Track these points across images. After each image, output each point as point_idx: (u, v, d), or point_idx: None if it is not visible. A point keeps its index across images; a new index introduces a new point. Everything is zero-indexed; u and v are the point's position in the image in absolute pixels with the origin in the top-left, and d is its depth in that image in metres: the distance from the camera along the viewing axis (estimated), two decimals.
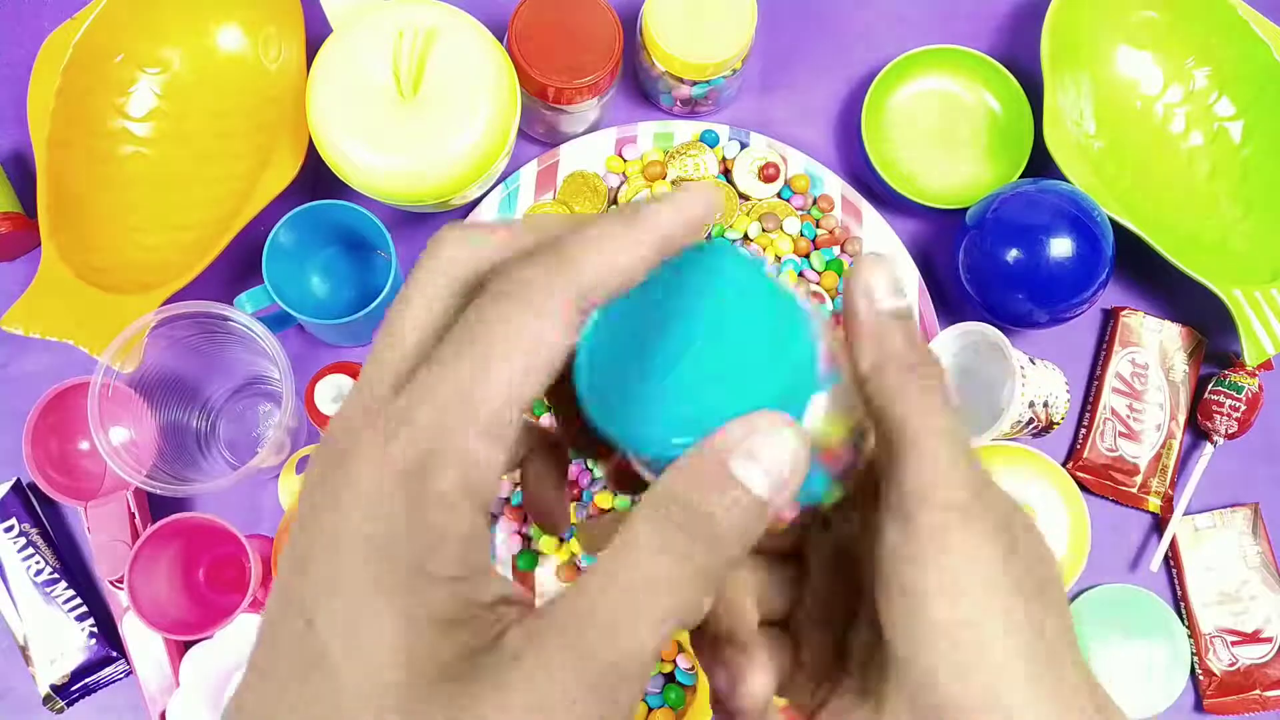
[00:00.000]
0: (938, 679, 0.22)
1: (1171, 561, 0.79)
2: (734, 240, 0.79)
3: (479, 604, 0.21)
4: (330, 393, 0.66)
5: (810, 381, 0.23)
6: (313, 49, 0.73)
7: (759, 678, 0.26)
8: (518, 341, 0.21)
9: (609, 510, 0.74)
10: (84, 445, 0.74)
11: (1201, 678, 0.77)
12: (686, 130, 0.81)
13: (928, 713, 0.22)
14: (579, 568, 0.75)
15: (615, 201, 0.80)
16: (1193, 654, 0.77)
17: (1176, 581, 0.79)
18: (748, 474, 0.21)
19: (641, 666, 0.20)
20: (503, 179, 0.79)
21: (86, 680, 0.73)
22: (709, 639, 0.26)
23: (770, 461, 0.21)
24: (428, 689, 0.19)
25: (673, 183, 0.79)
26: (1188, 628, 0.77)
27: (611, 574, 0.21)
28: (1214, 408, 0.78)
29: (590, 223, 0.22)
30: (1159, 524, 0.80)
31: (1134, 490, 0.79)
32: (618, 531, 0.21)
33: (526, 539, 0.74)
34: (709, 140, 0.80)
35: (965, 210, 0.78)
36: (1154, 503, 0.79)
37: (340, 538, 0.20)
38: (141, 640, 0.72)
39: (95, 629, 0.73)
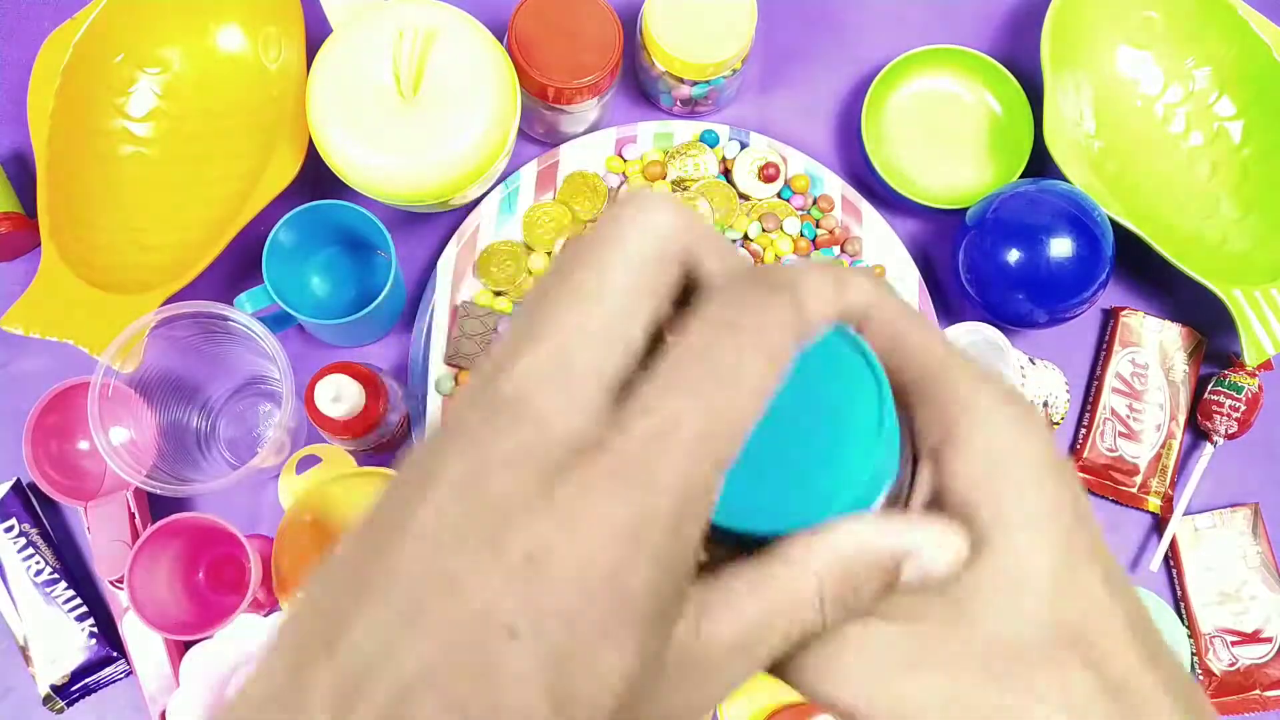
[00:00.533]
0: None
1: (1171, 561, 0.79)
2: (735, 239, 0.79)
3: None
4: (330, 393, 0.66)
5: (893, 465, 0.23)
6: (313, 49, 0.73)
7: None
8: (754, 385, 0.19)
9: None
10: (84, 445, 0.74)
11: (1201, 678, 0.77)
12: (686, 130, 0.81)
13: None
14: None
15: (615, 201, 0.80)
16: (1193, 654, 0.77)
17: (1176, 581, 0.79)
18: (910, 569, 0.22)
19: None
20: (503, 179, 0.79)
21: (86, 680, 0.73)
22: None
23: (931, 562, 0.22)
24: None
25: (673, 183, 0.79)
26: (1188, 628, 0.77)
27: (766, 608, 0.21)
28: (1214, 408, 0.78)
29: (803, 268, 0.21)
30: (1159, 524, 0.80)
31: (1134, 490, 0.79)
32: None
33: None
34: (709, 140, 0.80)
35: (965, 210, 0.78)
36: (1154, 503, 0.79)
37: (588, 587, 0.19)
38: (141, 640, 0.72)
39: (95, 629, 0.73)
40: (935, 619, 0.22)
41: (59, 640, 0.72)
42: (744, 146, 0.80)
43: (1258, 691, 0.76)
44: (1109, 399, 0.79)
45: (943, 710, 0.22)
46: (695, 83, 0.77)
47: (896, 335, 0.23)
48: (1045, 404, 0.74)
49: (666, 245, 0.21)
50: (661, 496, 0.18)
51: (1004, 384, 0.24)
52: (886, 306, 0.23)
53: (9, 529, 0.73)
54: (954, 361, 0.23)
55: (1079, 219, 0.72)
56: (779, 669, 0.23)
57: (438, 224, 0.80)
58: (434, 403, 0.76)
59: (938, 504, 0.23)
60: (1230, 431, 0.77)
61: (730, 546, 0.22)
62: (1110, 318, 0.81)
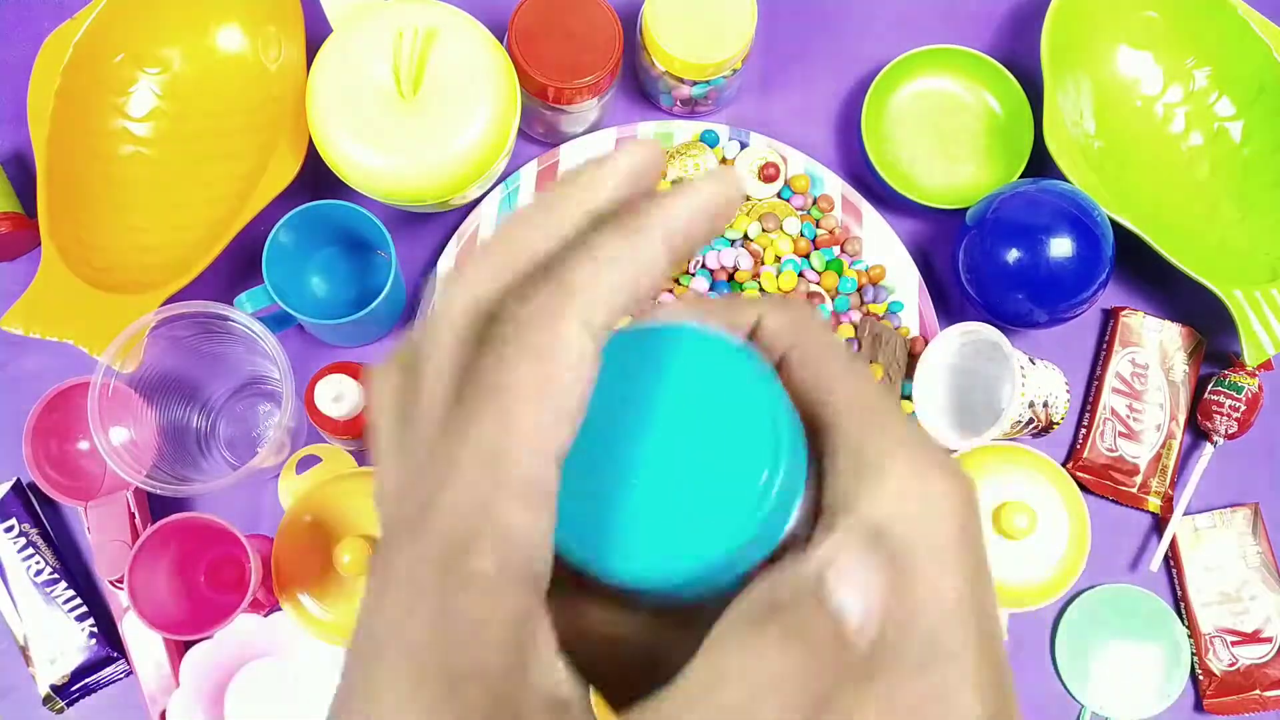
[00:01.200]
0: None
1: (1171, 561, 0.79)
2: (733, 239, 0.79)
3: (530, 705, 0.18)
4: (330, 393, 0.66)
5: (796, 485, 0.21)
6: (313, 49, 0.73)
7: None
8: (529, 390, 0.18)
9: None
10: (84, 445, 0.74)
11: (1201, 678, 0.77)
12: (686, 130, 0.81)
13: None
14: None
15: None
16: (1193, 654, 0.77)
17: (1176, 581, 0.79)
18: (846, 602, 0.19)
19: None
20: (503, 179, 0.79)
21: (86, 680, 0.73)
22: None
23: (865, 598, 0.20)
24: None
25: (673, 183, 0.80)
26: (1188, 628, 0.77)
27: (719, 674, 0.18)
28: (1214, 408, 0.78)
29: (587, 239, 0.20)
30: (1159, 524, 0.80)
31: (1134, 490, 0.79)
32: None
33: None
34: (709, 140, 0.80)
35: (965, 210, 0.78)
36: (1154, 503, 0.79)
37: (381, 642, 0.18)
38: (141, 640, 0.72)
39: (95, 629, 0.73)
40: None
41: (59, 640, 0.72)
42: (744, 146, 0.80)
43: (1258, 691, 0.76)
44: (1109, 399, 0.79)
45: None
46: (695, 83, 0.77)
47: (820, 375, 0.22)
48: (1045, 404, 0.74)
49: (461, 317, 0.20)
50: (439, 533, 0.18)
51: (926, 451, 0.21)
52: (811, 341, 0.22)
53: (9, 529, 0.73)
54: (875, 419, 0.21)
55: (1079, 219, 0.72)
56: None
57: (438, 224, 0.80)
58: None
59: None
60: (1230, 431, 0.77)
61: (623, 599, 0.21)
62: (1110, 318, 0.81)
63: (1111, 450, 0.79)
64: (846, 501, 0.21)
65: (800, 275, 0.78)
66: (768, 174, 0.79)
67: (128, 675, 0.74)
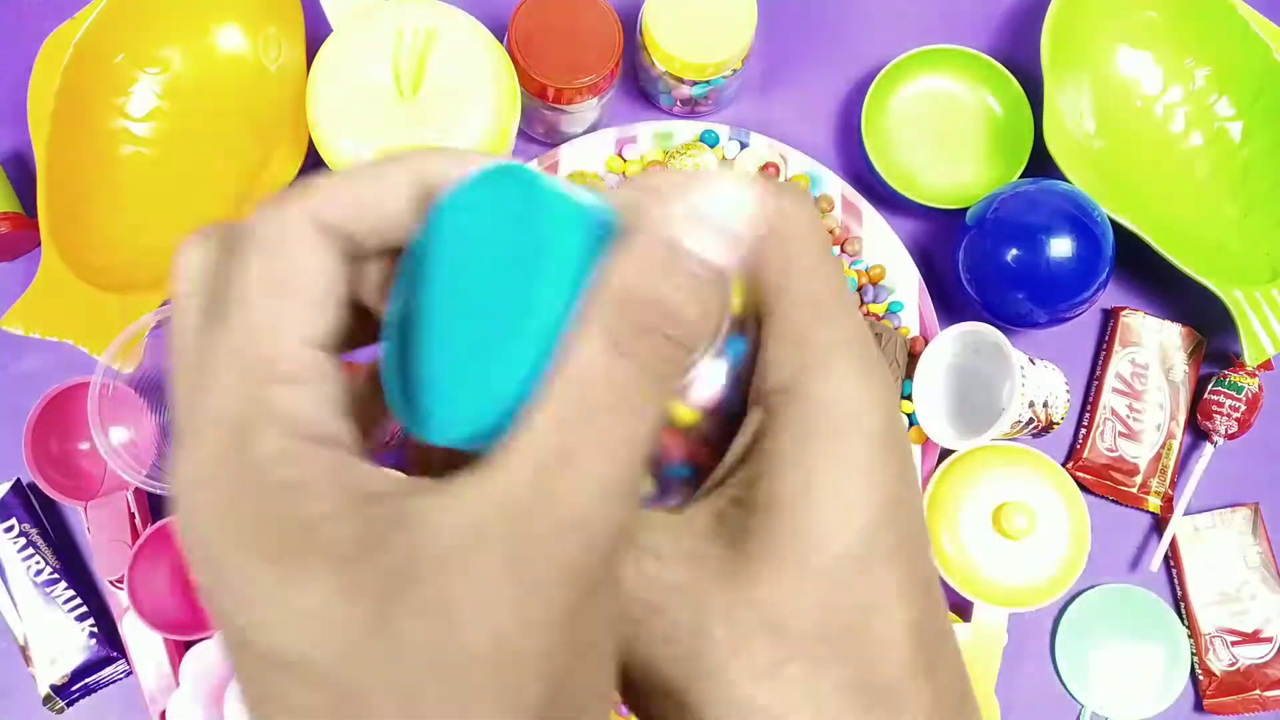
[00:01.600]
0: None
1: (1171, 561, 0.79)
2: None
3: (375, 517, 0.18)
4: None
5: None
6: (313, 49, 0.73)
7: None
8: (264, 287, 0.19)
9: None
10: (84, 445, 0.74)
11: (1201, 678, 0.77)
12: (686, 130, 0.81)
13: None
14: None
15: None
16: (1193, 654, 0.77)
17: (1176, 581, 0.79)
18: (700, 241, 0.19)
19: (610, 534, 0.18)
20: None
21: (86, 680, 0.73)
22: None
23: (720, 216, 0.20)
24: (371, 627, 0.17)
25: None
26: (1188, 628, 0.77)
27: (559, 416, 0.18)
28: (1214, 408, 0.78)
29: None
30: (1159, 524, 0.80)
31: (1134, 490, 0.79)
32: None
33: None
34: (709, 140, 0.80)
35: (965, 210, 0.78)
36: (1154, 503, 0.79)
37: (206, 559, 0.18)
38: (141, 640, 0.72)
39: (95, 629, 0.73)
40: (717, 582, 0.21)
41: (59, 640, 0.72)
42: (744, 146, 0.80)
43: (1258, 691, 0.76)
44: (1109, 399, 0.79)
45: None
46: (695, 83, 0.77)
47: (788, 265, 0.22)
48: (1045, 404, 0.74)
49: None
50: (216, 434, 0.19)
51: (859, 348, 0.21)
52: (790, 232, 0.22)
53: (9, 529, 0.73)
54: (828, 315, 0.21)
55: (1079, 219, 0.72)
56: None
57: None
58: None
59: (754, 452, 0.21)
60: (1230, 431, 0.77)
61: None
62: (1110, 318, 0.81)
63: (1111, 450, 0.79)
64: (792, 386, 0.21)
65: None
66: (768, 174, 0.79)
67: (128, 675, 0.74)
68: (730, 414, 0.22)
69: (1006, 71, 0.81)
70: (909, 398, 0.77)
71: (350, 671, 0.17)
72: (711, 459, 0.23)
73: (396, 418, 0.21)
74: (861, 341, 0.22)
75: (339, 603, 0.17)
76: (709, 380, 0.22)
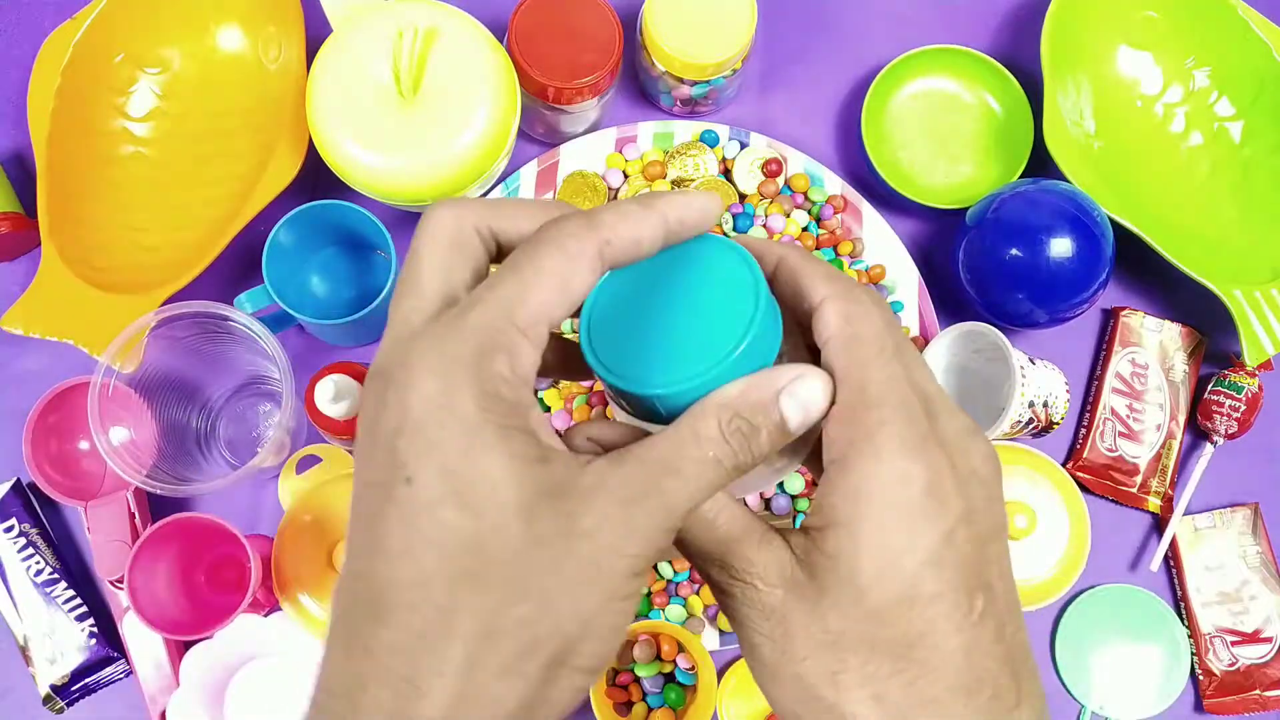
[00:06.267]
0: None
1: (1171, 561, 0.79)
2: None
3: (553, 449, 0.25)
4: (330, 393, 0.66)
5: (769, 350, 0.28)
6: (313, 49, 0.73)
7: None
8: (552, 275, 0.25)
9: None
10: (84, 445, 0.74)
11: (1201, 678, 0.77)
12: (686, 130, 0.81)
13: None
14: None
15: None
16: (1193, 654, 0.77)
17: (1176, 581, 0.79)
18: (788, 405, 0.27)
19: (679, 518, 0.26)
20: (503, 179, 0.79)
21: (86, 680, 0.73)
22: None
23: (806, 399, 0.27)
24: (536, 502, 0.24)
25: (673, 183, 0.80)
26: (1188, 628, 0.77)
27: (678, 445, 0.26)
28: (1214, 408, 0.78)
29: (611, 205, 0.27)
30: (1159, 524, 0.80)
31: (1134, 490, 0.79)
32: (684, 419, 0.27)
33: None
34: (709, 140, 0.80)
35: (965, 210, 0.78)
36: (1154, 503, 0.79)
37: (425, 416, 0.24)
38: (141, 640, 0.72)
39: (95, 629, 0.73)
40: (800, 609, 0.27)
41: (59, 640, 0.72)
42: (744, 146, 0.80)
43: (1258, 691, 0.76)
44: (1109, 399, 0.79)
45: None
46: (695, 83, 0.77)
47: (794, 273, 0.29)
48: (1045, 404, 0.74)
49: (446, 233, 0.28)
50: (468, 340, 0.25)
51: (905, 427, 0.27)
52: (791, 255, 0.30)
53: (9, 529, 0.73)
54: (873, 396, 0.27)
55: (1079, 219, 0.72)
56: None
57: None
58: None
59: (823, 506, 0.27)
60: (1230, 431, 0.77)
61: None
62: (1110, 318, 0.81)
63: (1111, 450, 0.79)
64: (842, 459, 0.27)
65: None
66: (770, 170, 0.79)
67: (128, 675, 0.74)
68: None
69: (1006, 71, 0.81)
70: None
71: (496, 538, 0.24)
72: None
73: (595, 371, 0.28)
74: (909, 422, 0.27)
75: (509, 485, 0.24)
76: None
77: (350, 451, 0.75)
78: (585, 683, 0.25)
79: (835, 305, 0.28)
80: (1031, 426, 0.75)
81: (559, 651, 0.24)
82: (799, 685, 0.27)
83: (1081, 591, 0.78)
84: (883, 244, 0.79)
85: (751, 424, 0.27)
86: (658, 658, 0.72)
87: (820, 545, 0.27)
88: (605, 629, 0.25)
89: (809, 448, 0.30)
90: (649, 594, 0.74)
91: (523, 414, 0.25)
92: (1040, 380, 0.74)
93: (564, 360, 0.32)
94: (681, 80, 0.77)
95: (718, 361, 0.27)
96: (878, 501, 0.26)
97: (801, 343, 0.30)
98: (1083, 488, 0.79)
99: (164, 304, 0.68)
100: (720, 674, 0.75)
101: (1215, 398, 0.78)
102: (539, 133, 0.80)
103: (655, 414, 0.28)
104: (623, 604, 0.25)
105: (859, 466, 0.27)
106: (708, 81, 0.77)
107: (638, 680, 0.72)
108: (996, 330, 0.73)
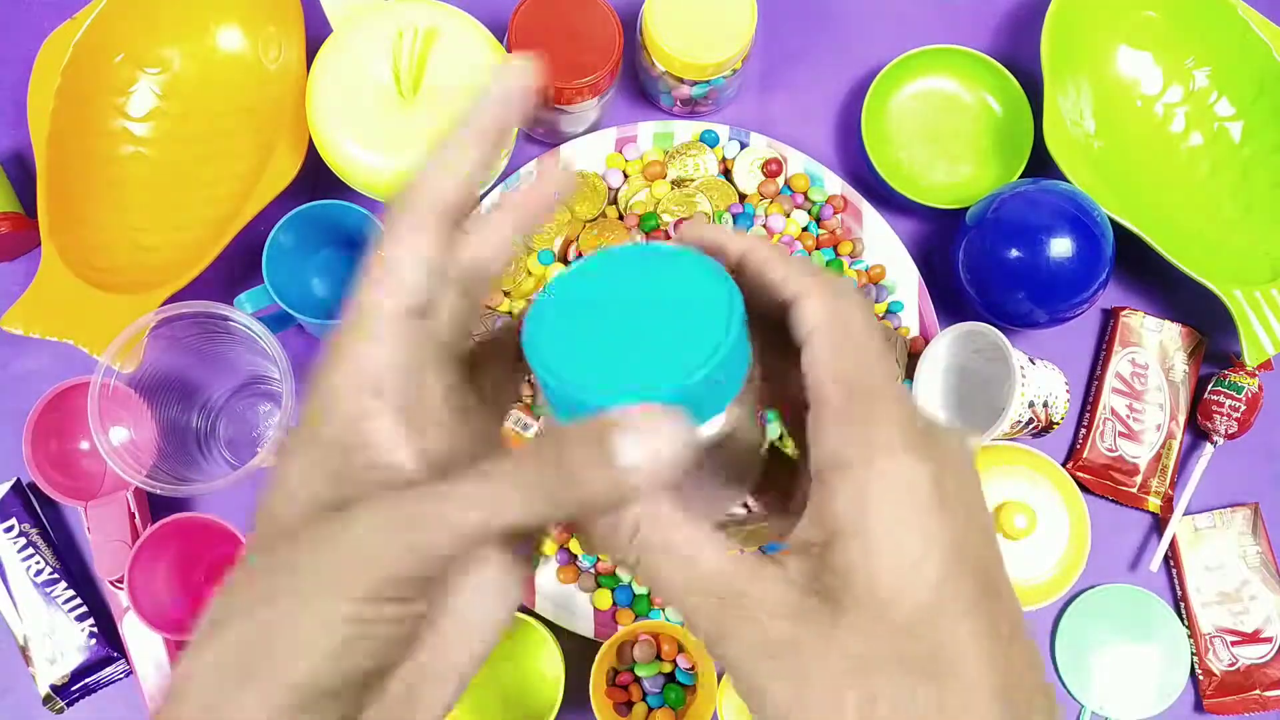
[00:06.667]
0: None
1: (1171, 561, 0.79)
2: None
3: (353, 465, 0.25)
4: None
5: (736, 378, 0.26)
6: (313, 49, 0.73)
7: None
8: (382, 266, 0.27)
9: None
10: (84, 445, 0.74)
11: (1201, 678, 0.77)
12: (686, 130, 0.81)
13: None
14: (579, 569, 0.75)
15: (615, 201, 0.80)
16: (1193, 654, 0.77)
17: (1176, 581, 0.79)
18: (625, 456, 0.23)
19: (443, 554, 0.24)
20: (503, 179, 0.79)
21: (86, 680, 0.73)
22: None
23: (647, 455, 0.23)
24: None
25: (673, 183, 0.80)
26: (1188, 628, 0.77)
27: (482, 473, 0.24)
28: (1214, 408, 0.78)
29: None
30: (1159, 524, 0.80)
31: (1134, 490, 0.79)
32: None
33: None
34: (709, 140, 0.80)
35: (965, 210, 0.78)
36: (1154, 503, 0.79)
37: (301, 420, 0.26)
38: (141, 640, 0.72)
39: (95, 629, 0.73)
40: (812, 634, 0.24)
41: (59, 640, 0.72)
42: (744, 146, 0.80)
43: (1258, 691, 0.76)
44: (1109, 399, 0.79)
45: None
46: (695, 83, 0.77)
47: (760, 266, 0.27)
48: (1045, 404, 0.74)
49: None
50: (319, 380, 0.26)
51: (905, 424, 0.25)
52: (756, 249, 0.28)
53: (9, 529, 0.73)
54: (868, 392, 0.25)
55: (1079, 219, 0.72)
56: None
57: None
58: None
59: (824, 516, 0.25)
60: (1230, 431, 0.77)
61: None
62: (1110, 318, 0.81)
63: (1111, 450, 0.79)
64: (844, 462, 0.25)
65: None
66: (770, 170, 0.79)
67: (128, 675, 0.74)
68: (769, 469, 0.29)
69: (1006, 71, 0.81)
70: None
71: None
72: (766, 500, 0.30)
73: (538, 374, 0.26)
74: (907, 419, 0.25)
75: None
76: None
77: None
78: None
79: (817, 299, 0.26)
80: (1031, 426, 0.75)
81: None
82: None
83: (1081, 591, 0.78)
84: (883, 244, 0.79)
85: (565, 467, 0.24)
86: (658, 658, 0.72)
87: (828, 561, 0.24)
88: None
89: (754, 474, 0.29)
90: (649, 593, 0.74)
91: (338, 424, 0.25)
92: (1040, 380, 0.74)
93: (494, 354, 0.30)
94: (681, 80, 0.77)
95: (677, 380, 0.24)
96: (889, 504, 0.24)
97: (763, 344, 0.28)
98: (1083, 488, 0.79)
99: (164, 304, 0.68)
100: (720, 674, 0.75)
101: (1215, 398, 0.78)
102: (539, 133, 0.80)
103: None
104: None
105: (862, 468, 0.24)
106: (708, 81, 0.77)
107: (638, 680, 0.72)
108: (996, 330, 0.73)
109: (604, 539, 0.25)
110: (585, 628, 0.73)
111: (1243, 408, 0.77)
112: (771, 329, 0.27)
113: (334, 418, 0.25)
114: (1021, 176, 0.80)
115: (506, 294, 0.78)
